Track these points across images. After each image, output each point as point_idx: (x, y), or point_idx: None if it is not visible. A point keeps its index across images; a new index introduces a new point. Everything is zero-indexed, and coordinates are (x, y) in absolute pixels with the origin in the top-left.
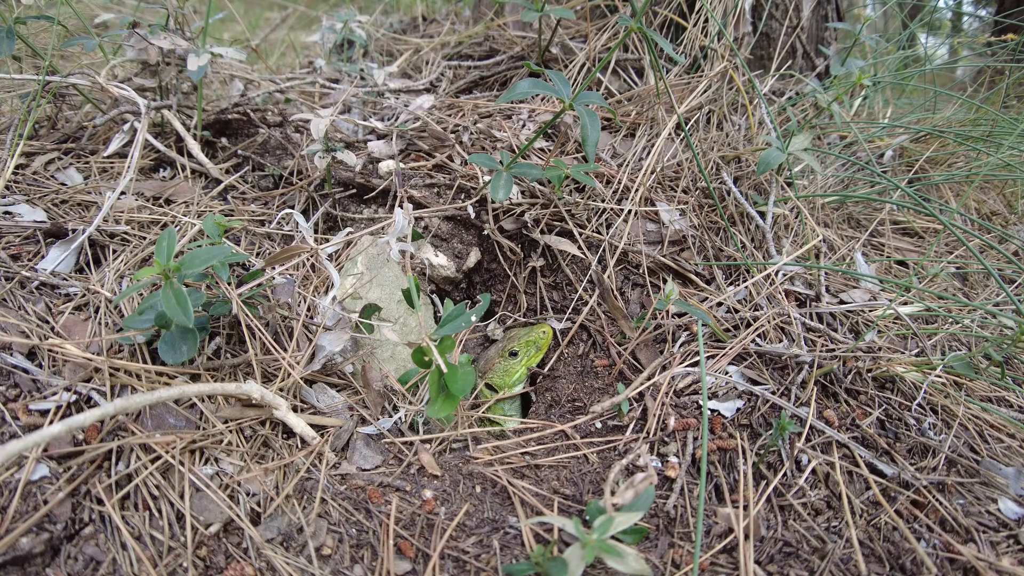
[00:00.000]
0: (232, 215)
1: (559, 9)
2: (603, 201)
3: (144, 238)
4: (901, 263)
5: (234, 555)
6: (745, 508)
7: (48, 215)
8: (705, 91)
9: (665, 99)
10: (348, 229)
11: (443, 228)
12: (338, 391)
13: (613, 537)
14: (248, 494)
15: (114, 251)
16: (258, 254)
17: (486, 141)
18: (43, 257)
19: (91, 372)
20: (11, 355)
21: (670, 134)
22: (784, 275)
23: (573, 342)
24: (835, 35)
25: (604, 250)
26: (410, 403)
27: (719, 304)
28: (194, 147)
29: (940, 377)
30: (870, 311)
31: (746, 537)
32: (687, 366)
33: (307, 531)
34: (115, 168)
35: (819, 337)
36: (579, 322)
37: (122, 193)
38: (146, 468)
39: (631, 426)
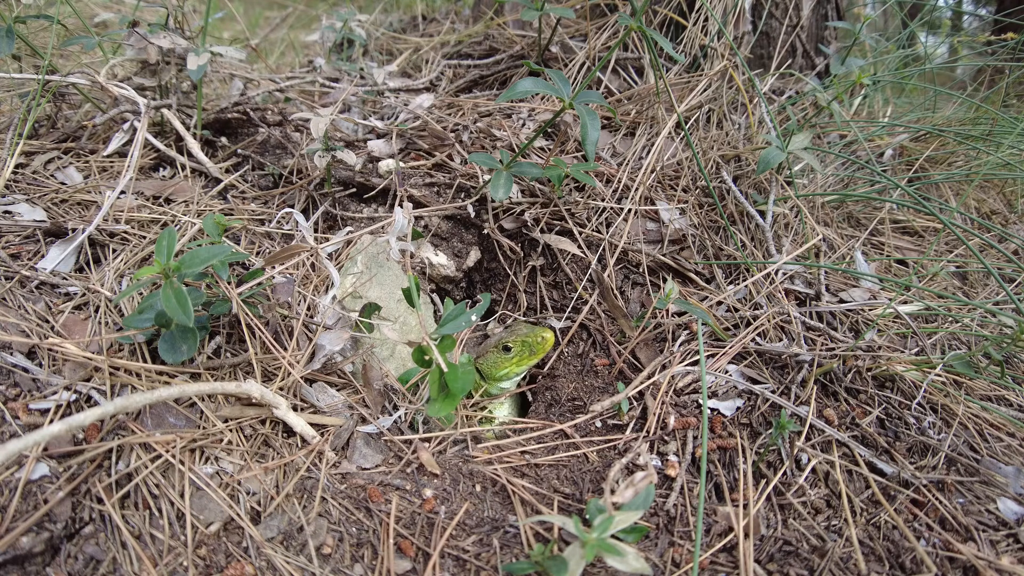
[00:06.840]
0: (232, 214)
1: (559, 8)
2: (603, 200)
3: (144, 237)
4: (901, 262)
5: (234, 554)
6: (745, 507)
7: (48, 214)
8: (705, 90)
9: (665, 98)
10: (348, 228)
11: (443, 227)
12: (338, 390)
13: (613, 536)
14: (248, 493)
15: (114, 250)
16: (258, 253)
17: (486, 140)
18: (43, 256)
19: (91, 371)
20: (11, 354)
21: (670, 133)
22: (784, 274)
23: (573, 341)
24: (835, 34)
25: (604, 249)
26: (410, 402)
27: (719, 303)
28: (194, 146)
29: (940, 376)
30: (870, 310)
31: (746, 536)
32: (687, 365)
33: (307, 530)
34: (115, 167)
35: (819, 336)
36: (579, 321)
37: (122, 192)
38: (146, 467)
39: (631, 425)
